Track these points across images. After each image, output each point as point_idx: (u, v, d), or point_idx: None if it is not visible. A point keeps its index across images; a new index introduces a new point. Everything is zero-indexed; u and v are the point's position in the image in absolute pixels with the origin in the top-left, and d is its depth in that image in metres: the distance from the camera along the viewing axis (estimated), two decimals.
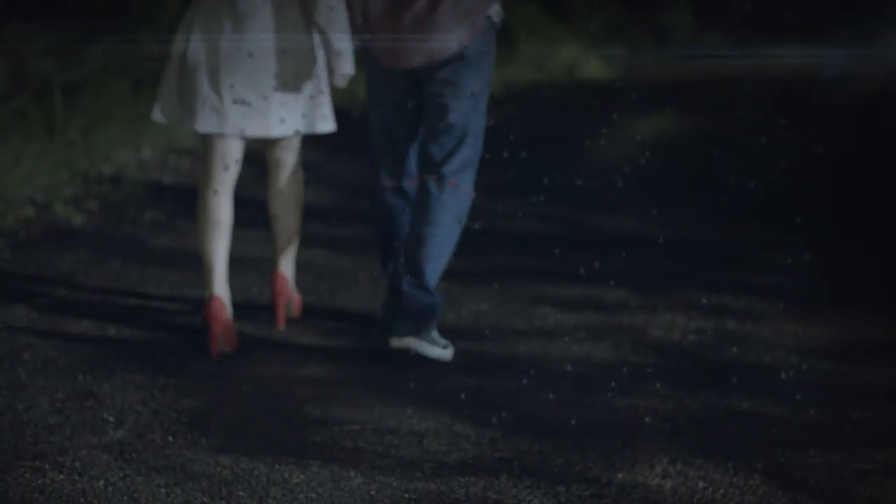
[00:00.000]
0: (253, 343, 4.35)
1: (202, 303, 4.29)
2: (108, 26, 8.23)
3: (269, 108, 4.14)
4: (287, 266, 4.49)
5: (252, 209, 5.15)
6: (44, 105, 7.08)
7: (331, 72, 4.20)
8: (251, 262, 5.26)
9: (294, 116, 4.22)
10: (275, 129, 4.19)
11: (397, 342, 4.21)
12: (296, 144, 4.39)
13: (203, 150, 4.31)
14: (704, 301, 5.11)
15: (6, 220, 5.80)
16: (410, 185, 4.39)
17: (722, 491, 3.36)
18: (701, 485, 3.40)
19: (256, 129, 4.17)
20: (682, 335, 4.71)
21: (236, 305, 4.46)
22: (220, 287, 4.21)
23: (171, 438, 3.52)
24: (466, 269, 5.35)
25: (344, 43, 4.13)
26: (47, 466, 3.28)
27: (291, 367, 4.16)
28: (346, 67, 4.15)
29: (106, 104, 7.57)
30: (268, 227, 4.55)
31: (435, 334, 4.27)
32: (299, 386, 3.99)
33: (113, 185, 6.64)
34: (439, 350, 4.25)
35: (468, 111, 4.22)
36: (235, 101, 4.12)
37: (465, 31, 4.13)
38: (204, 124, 4.13)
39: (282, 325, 4.49)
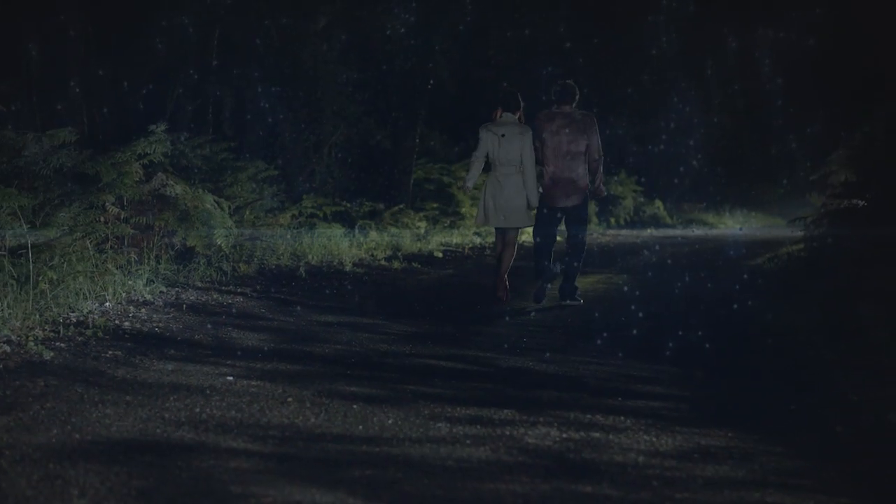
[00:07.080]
0: (193, 447, 5.30)
1: (496, 279, 10.81)
2: (76, 192, 9.30)
3: (513, 215, 10.62)
4: (505, 273, 10.75)
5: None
6: (18, 262, 8.10)
7: (528, 202, 10.63)
8: (194, 390, 6.26)
9: (521, 220, 10.66)
10: (517, 225, 10.72)
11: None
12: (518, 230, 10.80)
13: (496, 232, 10.99)
14: (578, 418, 6.12)
15: None
16: (549, 263, 10.72)
17: None
18: None
19: (510, 224, 10.65)
20: (552, 442, 5.69)
21: (201, 419, 5.42)
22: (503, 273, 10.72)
23: None
24: (381, 395, 6.40)
25: (535, 196, 10.61)
26: None
27: (222, 461, 5.10)
28: (534, 202, 10.64)
29: (72, 261, 8.62)
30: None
31: (577, 293, 10.93)
32: (227, 473, 4.94)
33: (78, 329, 7.64)
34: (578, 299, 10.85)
35: (582, 224, 10.86)
36: (502, 213, 10.60)
37: (580, 195, 10.66)
38: (493, 223, 10.73)
39: (505, 300, 10.72)
